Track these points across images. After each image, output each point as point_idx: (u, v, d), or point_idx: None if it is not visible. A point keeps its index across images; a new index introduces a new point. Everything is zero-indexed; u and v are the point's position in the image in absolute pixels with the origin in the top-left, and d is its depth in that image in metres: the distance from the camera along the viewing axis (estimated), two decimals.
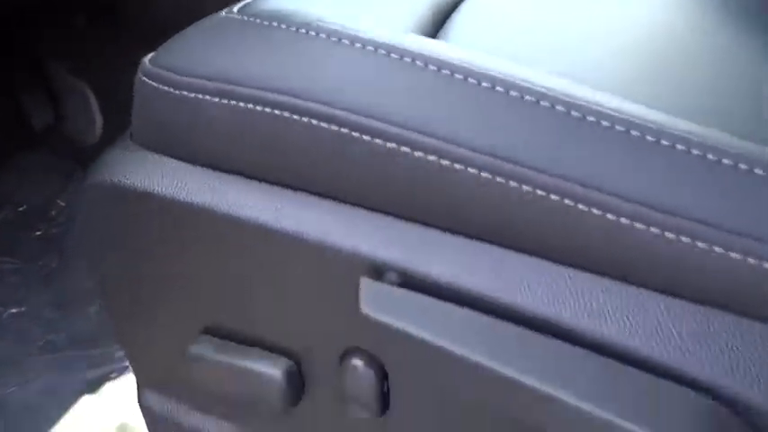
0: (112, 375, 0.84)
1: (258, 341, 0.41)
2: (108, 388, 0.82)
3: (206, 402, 0.47)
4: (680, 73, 0.41)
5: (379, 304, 0.33)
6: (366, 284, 0.34)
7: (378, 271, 0.34)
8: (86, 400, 0.80)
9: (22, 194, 1.13)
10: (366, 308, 0.33)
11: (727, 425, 0.28)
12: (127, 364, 0.85)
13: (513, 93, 0.33)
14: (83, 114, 1.14)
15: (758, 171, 0.30)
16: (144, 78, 0.40)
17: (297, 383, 0.41)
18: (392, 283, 0.33)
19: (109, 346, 0.88)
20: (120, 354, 0.86)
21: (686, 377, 0.29)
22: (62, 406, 0.80)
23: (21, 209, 1.11)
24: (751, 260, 0.29)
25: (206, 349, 0.42)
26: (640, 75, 0.40)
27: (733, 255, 0.29)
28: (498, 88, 0.33)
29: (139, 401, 0.50)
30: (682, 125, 0.32)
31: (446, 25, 0.45)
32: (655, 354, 0.30)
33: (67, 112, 1.15)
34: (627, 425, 0.28)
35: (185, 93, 0.37)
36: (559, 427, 0.30)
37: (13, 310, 0.95)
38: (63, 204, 1.14)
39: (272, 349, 0.41)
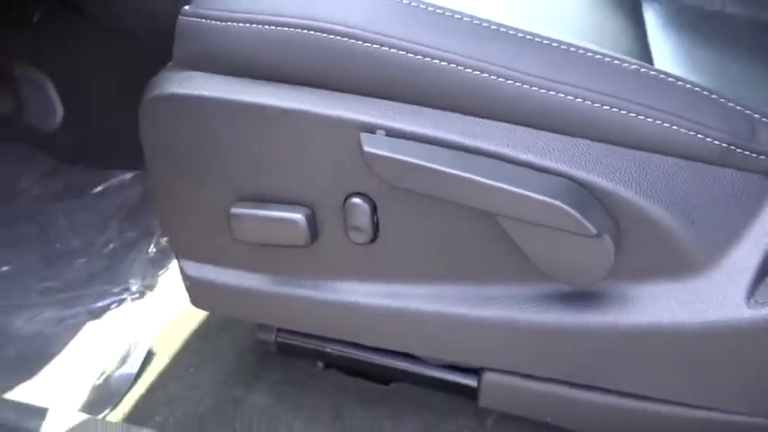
0: (112, 307, 0.97)
1: (283, 199, 0.59)
2: (110, 315, 0.95)
3: (239, 260, 0.64)
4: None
5: (374, 145, 0.52)
6: (365, 136, 0.53)
7: (371, 130, 0.53)
8: (92, 326, 0.94)
9: None
10: (366, 148, 0.52)
11: (579, 193, 0.50)
12: (125, 296, 0.99)
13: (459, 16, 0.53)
14: (42, 103, 1.25)
15: (600, 57, 0.52)
16: (189, 19, 0.57)
17: (313, 224, 0.59)
18: (382, 135, 0.53)
19: (103, 286, 1.01)
20: (118, 289, 1.00)
21: (559, 172, 0.51)
22: (70, 331, 0.93)
23: None
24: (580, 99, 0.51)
25: (244, 208, 0.60)
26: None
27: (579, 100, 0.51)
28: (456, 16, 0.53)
29: (181, 271, 0.67)
30: (555, 35, 0.54)
31: None
32: (544, 162, 0.51)
33: (27, 101, 1.26)
34: (534, 195, 0.50)
35: (230, 23, 0.55)
36: (494, 203, 0.50)
37: (4, 268, 1.05)
38: (25, 186, 1.25)
39: (294, 203, 0.59)
